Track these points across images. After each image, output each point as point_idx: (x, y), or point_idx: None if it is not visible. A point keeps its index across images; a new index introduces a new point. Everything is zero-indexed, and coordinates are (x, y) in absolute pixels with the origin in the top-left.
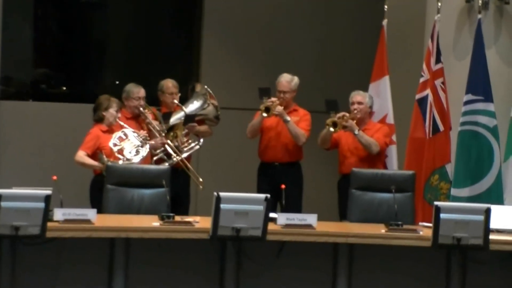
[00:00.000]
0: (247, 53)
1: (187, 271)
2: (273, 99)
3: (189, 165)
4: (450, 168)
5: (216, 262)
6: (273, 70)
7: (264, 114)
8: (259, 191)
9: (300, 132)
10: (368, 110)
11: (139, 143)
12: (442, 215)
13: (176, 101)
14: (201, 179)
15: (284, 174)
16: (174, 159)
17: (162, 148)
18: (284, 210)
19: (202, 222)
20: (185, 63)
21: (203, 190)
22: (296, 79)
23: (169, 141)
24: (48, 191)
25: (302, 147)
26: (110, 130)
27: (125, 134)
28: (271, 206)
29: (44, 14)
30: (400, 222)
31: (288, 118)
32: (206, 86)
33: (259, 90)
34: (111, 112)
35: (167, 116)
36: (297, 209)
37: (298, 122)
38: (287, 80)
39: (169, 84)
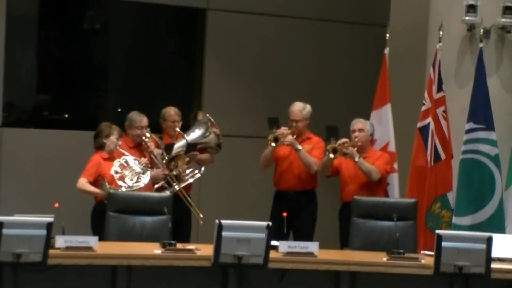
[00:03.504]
0: (248, 81)
1: None
2: (282, 129)
3: (189, 199)
4: (451, 196)
5: None
6: (275, 98)
7: (273, 144)
8: (272, 219)
9: (312, 160)
10: (369, 137)
11: (140, 171)
12: (443, 243)
13: (178, 129)
14: (201, 215)
15: (298, 203)
16: (176, 187)
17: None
18: (294, 238)
19: (203, 250)
20: (187, 91)
21: (203, 220)
22: (308, 107)
23: (170, 172)
24: (50, 219)
25: (316, 175)
26: (111, 158)
27: (126, 162)
28: (273, 234)
29: (47, 40)
30: (401, 250)
31: (299, 147)
32: (208, 115)
33: (268, 120)
34: (112, 140)
35: (169, 148)
36: (309, 238)
37: (311, 150)
38: (299, 109)
39: (172, 111)
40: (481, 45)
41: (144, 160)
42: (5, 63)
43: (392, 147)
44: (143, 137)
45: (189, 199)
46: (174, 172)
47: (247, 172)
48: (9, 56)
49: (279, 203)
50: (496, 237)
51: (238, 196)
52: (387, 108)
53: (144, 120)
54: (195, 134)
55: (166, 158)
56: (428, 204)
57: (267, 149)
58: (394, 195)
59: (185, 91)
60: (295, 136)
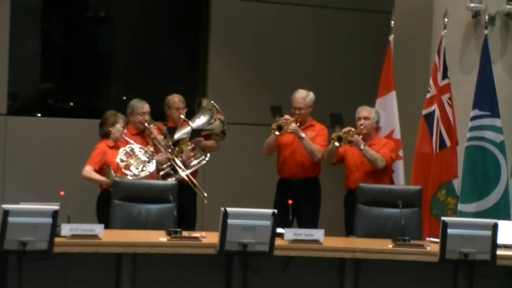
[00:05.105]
0: (253, 69)
1: (194, 286)
2: (286, 117)
3: (193, 180)
4: (457, 183)
5: (223, 277)
6: (279, 85)
7: (277, 133)
8: (275, 207)
9: (315, 148)
10: (374, 125)
11: (146, 159)
12: (449, 230)
13: (182, 116)
14: (205, 194)
15: (301, 190)
16: (181, 174)
17: (169, 163)
18: (298, 225)
19: (209, 237)
20: (192, 78)
21: (207, 204)
22: (311, 95)
23: (174, 157)
24: (55, 207)
25: (320, 162)
26: (116, 146)
27: (132, 150)
28: (278, 221)
29: (51, 28)
30: (407, 237)
31: (303, 135)
32: (212, 101)
33: (271, 109)
34: (118, 128)
35: (172, 131)
36: (313, 225)
37: (315, 138)
38: (302, 96)
39: (176, 99)
40: (486, 32)
41: (150, 148)
42: (10, 51)
43: (397, 134)
44: (146, 124)
45: (195, 181)
46: (179, 159)
47: (250, 160)
48: (14, 44)
49: (282, 191)
50: (502, 224)
51: (241, 184)
52: (392, 96)
53: (145, 106)
54: (200, 120)
55: (170, 144)
56: (433, 191)
57: (270, 137)
58: (399, 182)
59: (189, 79)
60: (298, 124)
